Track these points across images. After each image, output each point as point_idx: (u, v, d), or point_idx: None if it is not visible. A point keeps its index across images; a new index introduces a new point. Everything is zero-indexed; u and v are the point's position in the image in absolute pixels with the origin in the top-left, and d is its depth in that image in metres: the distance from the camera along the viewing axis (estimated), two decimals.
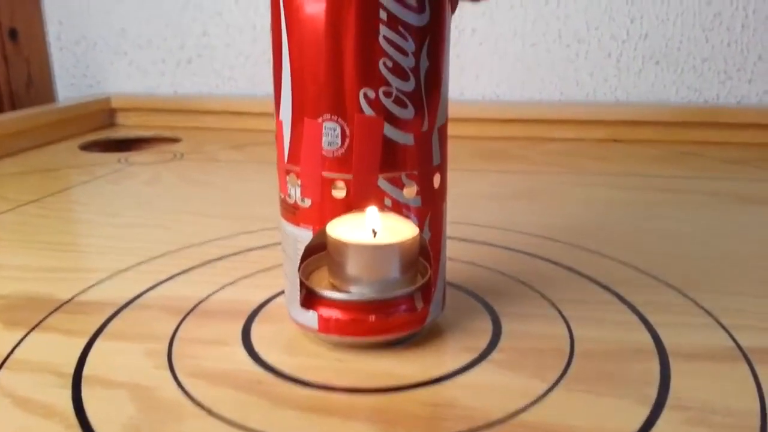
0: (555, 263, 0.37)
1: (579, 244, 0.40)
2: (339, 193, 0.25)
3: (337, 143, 0.24)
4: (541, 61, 0.76)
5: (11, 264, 0.39)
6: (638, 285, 0.34)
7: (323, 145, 0.25)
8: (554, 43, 0.75)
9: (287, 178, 0.26)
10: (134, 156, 0.69)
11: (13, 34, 0.86)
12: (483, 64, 0.78)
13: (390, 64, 0.24)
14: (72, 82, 0.92)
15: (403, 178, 0.25)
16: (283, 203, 0.27)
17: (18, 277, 0.37)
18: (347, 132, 0.24)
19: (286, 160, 0.26)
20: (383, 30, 0.23)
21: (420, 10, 0.24)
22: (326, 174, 0.25)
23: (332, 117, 0.24)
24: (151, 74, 0.89)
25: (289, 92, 0.25)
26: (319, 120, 0.24)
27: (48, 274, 0.37)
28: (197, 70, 0.87)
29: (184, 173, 0.61)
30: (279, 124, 0.26)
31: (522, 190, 0.54)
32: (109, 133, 0.83)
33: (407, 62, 0.24)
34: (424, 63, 0.24)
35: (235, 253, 0.40)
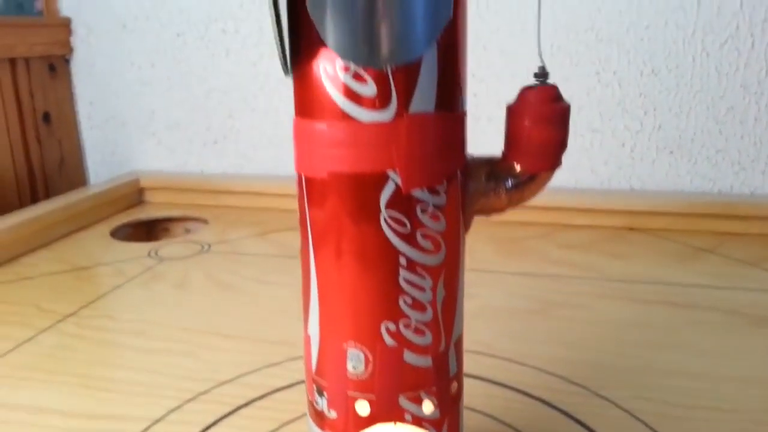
0: (567, 415, 0.39)
1: (593, 387, 0.42)
2: (363, 410, 0.27)
3: (361, 368, 0.26)
4: None
5: (50, 407, 0.41)
6: None
7: (348, 368, 0.27)
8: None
9: (314, 387, 0.28)
10: (164, 248, 0.72)
11: (46, 117, 0.90)
12: (499, 151, 0.79)
13: (409, 300, 0.26)
14: (102, 159, 0.96)
15: (422, 394, 0.27)
16: (311, 405, 0.29)
17: (56, 427, 0.39)
18: (370, 358, 0.26)
19: (314, 371, 0.28)
20: (403, 273, 0.25)
21: (437, 251, 0.26)
22: (351, 393, 0.27)
23: (356, 345, 0.26)
24: (179, 154, 0.92)
25: (317, 318, 0.27)
26: (344, 346, 0.26)
27: (85, 423, 0.39)
28: (223, 150, 0.90)
29: (212, 272, 0.64)
30: (307, 338, 0.28)
31: (539, 303, 0.56)
32: (139, 213, 0.86)
33: (425, 297, 0.26)
34: (441, 294, 0.26)
35: (261, 396, 0.42)
